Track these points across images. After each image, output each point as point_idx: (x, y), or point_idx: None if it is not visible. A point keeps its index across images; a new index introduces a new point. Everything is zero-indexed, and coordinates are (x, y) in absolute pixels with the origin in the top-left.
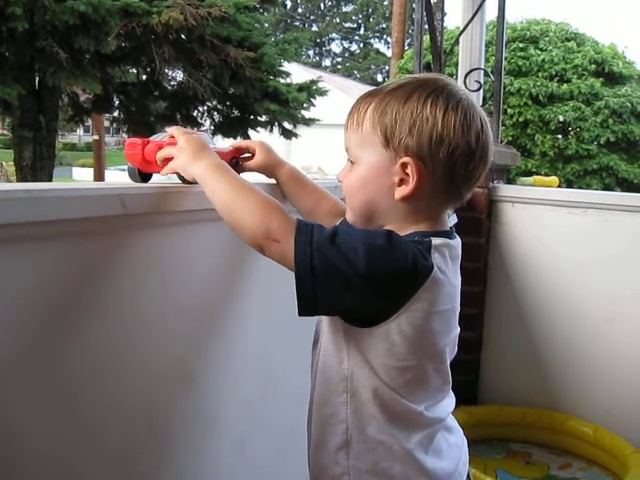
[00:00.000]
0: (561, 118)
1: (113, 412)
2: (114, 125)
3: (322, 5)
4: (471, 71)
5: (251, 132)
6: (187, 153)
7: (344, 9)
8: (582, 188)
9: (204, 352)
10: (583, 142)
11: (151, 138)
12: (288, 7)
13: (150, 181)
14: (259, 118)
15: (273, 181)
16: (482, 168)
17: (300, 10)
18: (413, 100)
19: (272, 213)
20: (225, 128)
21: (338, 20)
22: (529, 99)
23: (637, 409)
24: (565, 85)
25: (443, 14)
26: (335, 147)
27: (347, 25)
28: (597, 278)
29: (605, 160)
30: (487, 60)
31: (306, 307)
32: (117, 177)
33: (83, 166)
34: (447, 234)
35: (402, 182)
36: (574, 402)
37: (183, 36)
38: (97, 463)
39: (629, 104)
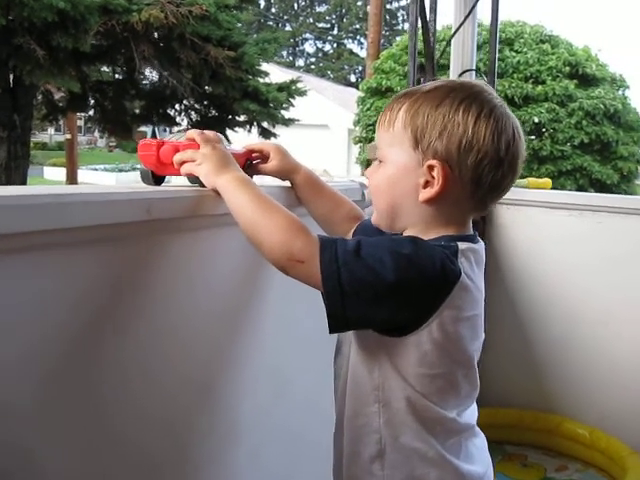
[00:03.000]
0: (536, 119)
1: (139, 422)
2: (88, 124)
3: (296, 5)
4: (464, 72)
5: (229, 132)
6: (212, 163)
7: (318, 9)
8: (557, 189)
9: (226, 358)
10: (557, 143)
11: (165, 139)
12: (262, 6)
13: (163, 183)
14: (237, 118)
15: (287, 184)
16: (510, 178)
17: (274, 10)
18: (446, 104)
19: (295, 234)
20: (202, 128)
21: (312, 20)
22: (504, 100)
23: (633, 412)
24: (540, 87)
25: (436, 15)
26: (311, 147)
27: (321, 25)
28: (592, 280)
29: (579, 161)
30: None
31: (338, 325)
32: (90, 177)
33: (55, 165)
34: (471, 238)
35: (427, 184)
36: (570, 404)
37: (163, 34)
38: (121, 474)
39: (602, 106)
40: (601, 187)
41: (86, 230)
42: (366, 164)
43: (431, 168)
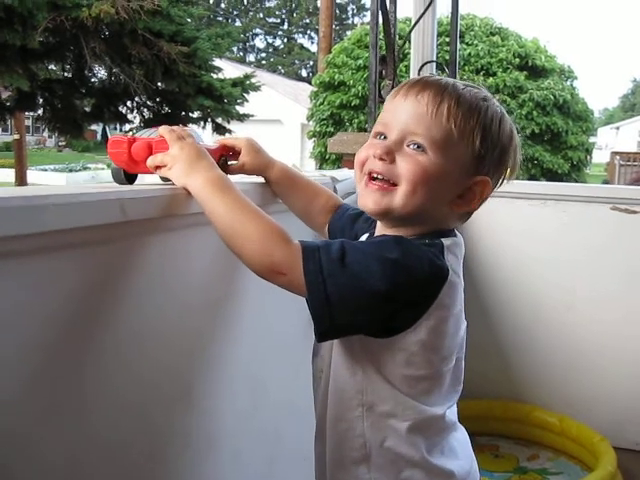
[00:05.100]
0: None
1: (116, 432)
2: (37, 124)
3: (245, 0)
4: (425, 64)
5: None
6: (182, 164)
7: (267, 4)
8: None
9: (203, 362)
10: None
11: (137, 135)
12: (211, 2)
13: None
14: (191, 114)
15: (261, 179)
16: None
17: (223, 5)
18: (504, 125)
19: (274, 244)
20: (155, 125)
21: (261, 15)
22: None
23: (599, 397)
24: (491, 78)
25: (396, 6)
26: (265, 143)
27: (271, 20)
28: (556, 268)
29: (530, 151)
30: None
31: (327, 334)
32: (39, 178)
33: (3, 167)
34: (452, 232)
35: (462, 196)
36: (538, 393)
37: (114, 30)
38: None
39: (552, 96)
40: (552, 176)
41: (59, 234)
42: (320, 158)
43: (478, 184)
